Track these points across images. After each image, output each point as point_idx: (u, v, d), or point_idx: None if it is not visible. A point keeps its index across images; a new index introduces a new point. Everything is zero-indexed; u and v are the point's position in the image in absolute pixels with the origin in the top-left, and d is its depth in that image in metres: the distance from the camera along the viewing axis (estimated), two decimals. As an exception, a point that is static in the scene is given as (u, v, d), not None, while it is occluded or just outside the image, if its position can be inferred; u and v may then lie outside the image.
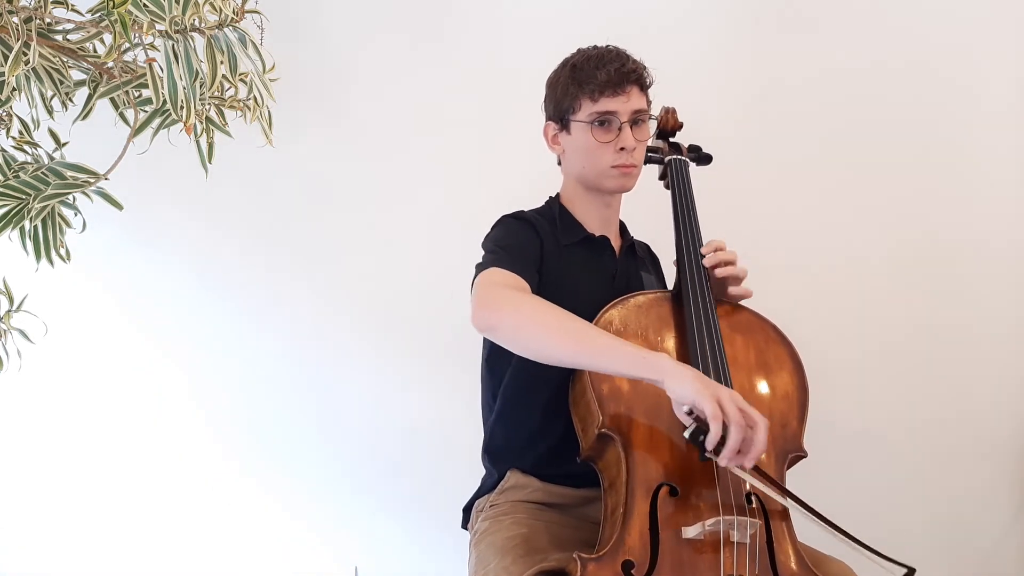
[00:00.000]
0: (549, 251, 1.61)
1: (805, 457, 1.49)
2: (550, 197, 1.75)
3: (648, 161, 1.78)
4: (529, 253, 1.57)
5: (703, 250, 1.60)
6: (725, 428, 1.25)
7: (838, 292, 2.49)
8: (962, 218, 2.52)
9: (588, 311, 1.47)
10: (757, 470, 1.32)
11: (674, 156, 1.77)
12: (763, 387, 1.51)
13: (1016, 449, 2.53)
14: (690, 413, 1.28)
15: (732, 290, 1.61)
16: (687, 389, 1.27)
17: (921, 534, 2.48)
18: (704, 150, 1.84)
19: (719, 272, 1.57)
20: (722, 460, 1.26)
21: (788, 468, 1.47)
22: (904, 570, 1.33)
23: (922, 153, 2.51)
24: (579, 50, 1.65)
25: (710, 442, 1.24)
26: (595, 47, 1.63)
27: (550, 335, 1.39)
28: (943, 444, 2.51)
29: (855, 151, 2.50)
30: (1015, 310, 2.53)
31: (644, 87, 1.62)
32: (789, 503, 1.36)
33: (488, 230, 1.65)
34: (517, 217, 1.65)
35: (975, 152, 2.53)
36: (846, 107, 2.50)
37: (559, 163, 1.73)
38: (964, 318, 2.52)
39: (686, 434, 1.28)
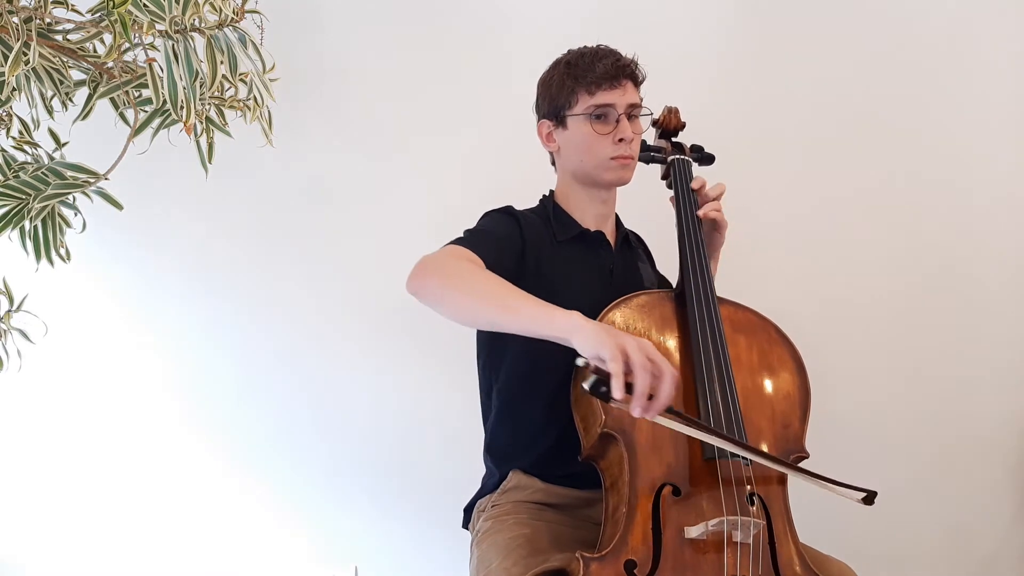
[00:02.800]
0: (541, 248, 1.61)
1: (807, 457, 1.49)
2: (544, 195, 1.76)
3: (651, 161, 1.78)
4: (499, 241, 1.56)
5: (693, 184, 1.68)
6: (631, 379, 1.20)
7: (840, 292, 2.50)
8: (964, 218, 2.52)
9: (587, 307, 1.46)
10: (677, 414, 1.28)
11: (677, 156, 1.78)
12: (765, 387, 1.52)
13: (1017, 450, 2.53)
14: (594, 370, 1.22)
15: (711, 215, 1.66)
16: (592, 341, 1.22)
17: (922, 534, 2.48)
18: (707, 150, 1.84)
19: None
20: (633, 409, 1.21)
21: (790, 468, 1.48)
22: (864, 494, 1.35)
23: (925, 152, 2.51)
24: (569, 50, 1.67)
25: (616, 390, 1.18)
26: (585, 46, 1.66)
27: (465, 297, 1.38)
28: (944, 444, 2.51)
29: (858, 151, 2.50)
30: (1016, 310, 2.53)
31: (637, 82, 1.65)
32: (724, 444, 1.34)
33: None
34: (502, 211, 1.67)
35: (976, 151, 2.53)
36: (848, 107, 2.50)
37: (552, 162, 1.74)
38: (965, 318, 2.52)
39: (585, 385, 1.21)
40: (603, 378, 1.20)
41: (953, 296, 2.52)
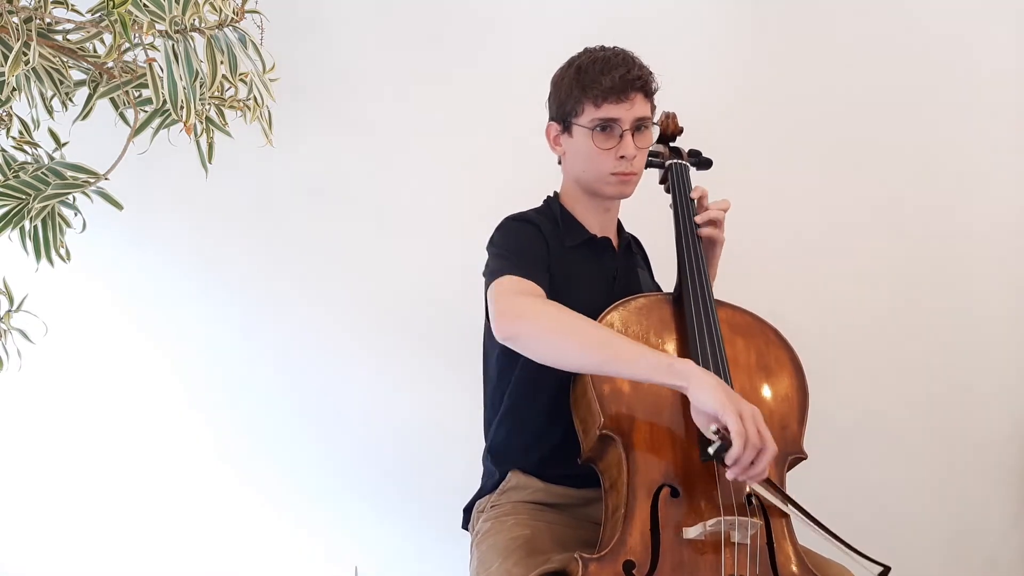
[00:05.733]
0: (554, 252, 1.61)
1: (805, 459, 1.49)
2: (548, 196, 1.74)
3: (649, 165, 1.78)
4: (538, 256, 1.56)
5: (693, 193, 1.67)
6: None
7: (839, 294, 2.50)
8: (962, 215, 2.53)
9: (588, 312, 1.47)
10: (773, 485, 1.35)
11: (675, 160, 1.77)
12: (763, 389, 1.52)
13: (1017, 448, 2.53)
14: (716, 431, 1.28)
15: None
16: (712, 400, 1.27)
17: (921, 534, 2.48)
18: (704, 154, 1.84)
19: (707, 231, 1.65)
20: (729, 474, 1.28)
21: (788, 470, 1.48)
22: (880, 568, 1.34)
23: (923, 152, 2.52)
24: (586, 50, 1.63)
25: (730, 459, 1.26)
26: (602, 48, 1.61)
27: (573, 343, 1.39)
28: (944, 446, 2.52)
29: (855, 154, 2.50)
30: (1015, 308, 2.53)
31: (648, 94, 1.60)
32: (789, 509, 1.37)
33: (492, 233, 1.63)
34: (521, 219, 1.64)
35: (974, 148, 2.54)
36: (845, 110, 2.50)
37: (559, 163, 1.73)
38: (964, 317, 2.52)
39: (711, 450, 1.28)
40: (727, 445, 1.26)
41: (953, 298, 2.52)
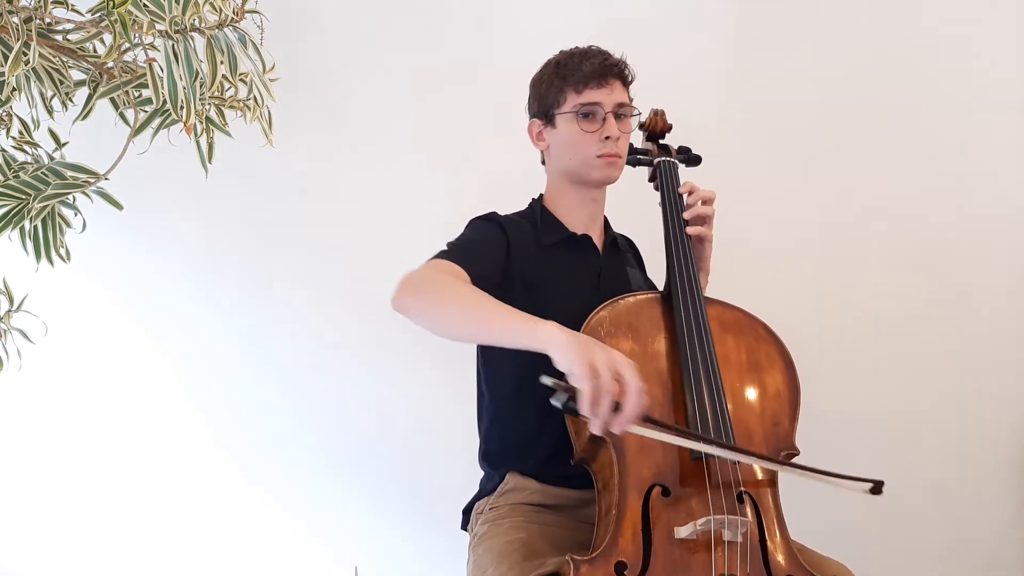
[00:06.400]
0: (527, 252, 1.62)
1: (798, 455, 1.48)
2: (533, 199, 1.76)
3: (638, 163, 1.79)
4: (485, 250, 1.57)
5: (682, 189, 1.68)
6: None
7: (831, 289, 2.49)
8: (960, 211, 2.51)
9: (576, 311, 1.48)
10: (653, 422, 1.26)
11: (663, 158, 1.78)
12: (755, 386, 1.52)
13: (1017, 448, 2.52)
14: (564, 388, 1.19)
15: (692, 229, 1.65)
16: (565, 357, 1.20)
17: (921, 535, 2.48)
18: (694, 151, 1.85)
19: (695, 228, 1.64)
20: (592, 427, 1.21)
21: (781, 467, 1.48)
22: (870, 484, 1.32)
23: (917, 148, 2.50)
24: (561, 51, 1.69)
25: (584, 408, 1.17)
26: (577, 47, 1.67)
27: (448, 312, 1.40)
28: (944, 445, 2.50)
29: (847, 148, 2.49)
30: (1014, 305, 2.52)
31: (626, 82, 1.66)
32: (772, 466, 1.35)
33: None
34: (486, 218, 1.67)
35: (972, 146, 2.52)
36: (837, 105, 2.49)
37: (543, 162, 1.75)
38: (963, 314, 2.51)
39: (557, 403, 1.19)
40: (572, 395, 1.18)
41: (952, 297, 2.51)
